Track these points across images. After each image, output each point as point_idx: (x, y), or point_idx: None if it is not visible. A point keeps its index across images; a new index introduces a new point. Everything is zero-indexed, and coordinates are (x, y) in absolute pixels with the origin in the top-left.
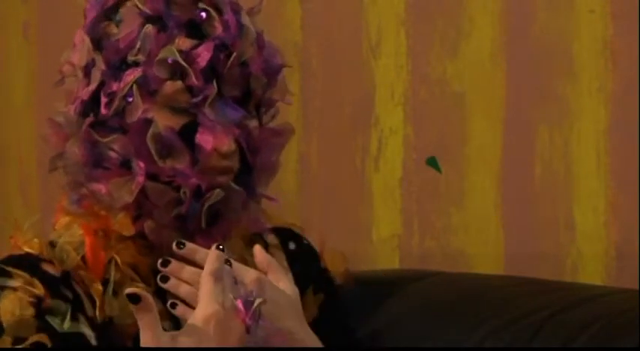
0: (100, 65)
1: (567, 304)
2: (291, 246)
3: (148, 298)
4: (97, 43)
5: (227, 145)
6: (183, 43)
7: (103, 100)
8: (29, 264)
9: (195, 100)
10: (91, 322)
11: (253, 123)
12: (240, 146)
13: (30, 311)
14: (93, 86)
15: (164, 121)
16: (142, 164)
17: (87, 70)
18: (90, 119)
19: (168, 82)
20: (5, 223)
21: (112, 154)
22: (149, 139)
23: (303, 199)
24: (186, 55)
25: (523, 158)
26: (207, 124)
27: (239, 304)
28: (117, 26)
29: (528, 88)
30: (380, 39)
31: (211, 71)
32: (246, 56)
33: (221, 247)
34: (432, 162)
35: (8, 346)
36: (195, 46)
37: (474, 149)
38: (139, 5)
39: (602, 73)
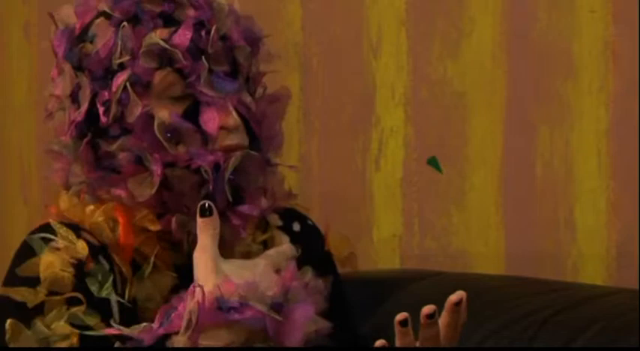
0: (87, 83)
1: (568, 304)
2: (296, 227)
3: (217, 216)
4: (79, 66)
5: (231, 118)
6: (162, 33)
7: (100, 109)
8: (74, 228)
9: (189, 80)
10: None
11: (247, 97)
12: (244, 120)
13: (70, 270)
14: (85, 105)
15: (164, 111)
16: (157, 156)
17: (74, 96)
18: (87, 139)
19: (158, 71)
20: (7, 222)
21: (123, 158)
22: (157, 130)
23: (304, 199)
24: (168, 41)
25: (524, 158)
26: (207, 102)
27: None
28: (92, 43)
29: (529, 88)
30: (381, 39)
31: (196, 50)
32: (225, 29)
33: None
34: (433, 162)
35: (42, 297)
36: (174, 33)
37: (474, 149)
38: (108, 11)
39: (603, 73)
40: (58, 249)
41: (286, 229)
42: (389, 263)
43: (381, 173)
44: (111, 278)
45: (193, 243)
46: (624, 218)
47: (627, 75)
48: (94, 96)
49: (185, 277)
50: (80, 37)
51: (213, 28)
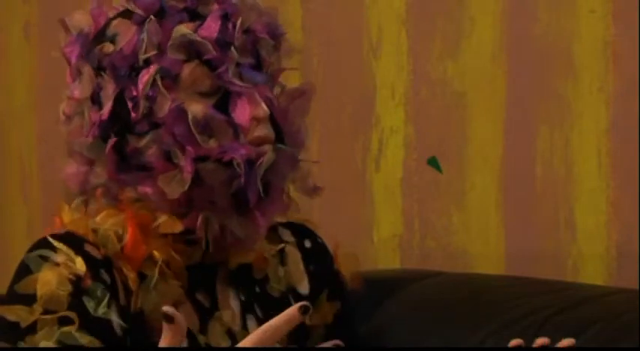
0: (109, 83)
1: (568, 304)
2: (307, 244)
3: (182, 323)
4: (98, 67)
5: (261, 109)
6: (187, 26)
7: (129, 104)
8: (75, 242)
9: (218, 71)
10: (123, 311)
11: (270, 92)
12: (271, 112)
13: (67, 288)
14: (109, 104)
15: (196, 105)
16: (189, 150)
17: (94, 97)
18: (112, 139)
19: (187, 64)
20: (7, 222)
21: (152, 154)
22: (192, 124)
23: (304, 199)
24: (195, 32)
25: (524, 158)
26: (238, 92)
27: None
28: (112, 42)
29: (529, 87)
30: (381, 39)
31: (224, 42)
32: (249, 22)
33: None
34: (433, 162)
35: (37, 315)
36: (199, 26)
37: (474, 149)
38: (131, 9)
39: (603, 73)
40: (57, 264)
41: (298, 244)
42: (389, 263)
43: (381, 173)
44: (107, 296)
45: (212, 242)
46: (624, 218)
47: (627, 75)
48: (119, 94)
49: (196, 278)
50: (97, 39)
51: (239, 20)
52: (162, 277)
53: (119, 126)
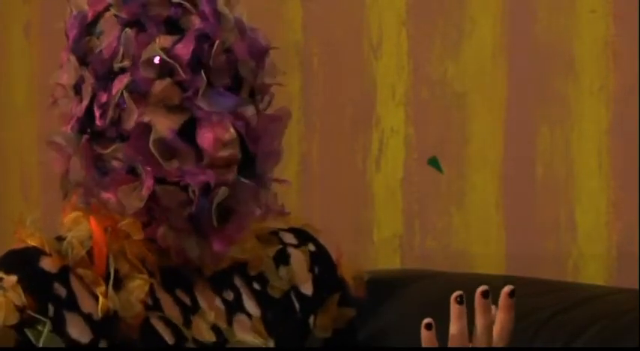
0: (89, 80)
1: (568, 305)
2: (311, 247)
3: None
4: (83, 60)
5: (227, 133)
6: (164, 40)
7: (97, 112)
8: (25, 261)
9: (186, 94)
10: (89, 319)
11: (250, 110)
12: (240, 135)
13: (14, 318)
14: (85, 102)
15: (162, 123)
16: (149, 168)
17: (77, 88)
18: (86, 135)
19: (157, 82)
20: (7, 222)
21: (116, 163)
22: (152, 145)
23: (304, 200)
24: (169, 51)
25: (524, 158)
26: (203, 118)
27: None
28: (98, 38)
29: (529, 88)
30: (381, 39)
31: (197, 63)
32: (229, 43)
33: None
34: (434, 162)
35: None
36: (177, 42)
37: (475, 149)
38: (116, 12)
39: (604, 73)
40: (5, 290)
41: (301, 247)
42: (389, 263)
43: (382, 173)
44: (47, 328)
45: (178, 254)
46: (624, 218)
47: (627, 75)
48: (94, 96)
49: (169, 278)
50: (89, 27)
51: (217, 41)
52: (132, 272)
53: (92, 126)
